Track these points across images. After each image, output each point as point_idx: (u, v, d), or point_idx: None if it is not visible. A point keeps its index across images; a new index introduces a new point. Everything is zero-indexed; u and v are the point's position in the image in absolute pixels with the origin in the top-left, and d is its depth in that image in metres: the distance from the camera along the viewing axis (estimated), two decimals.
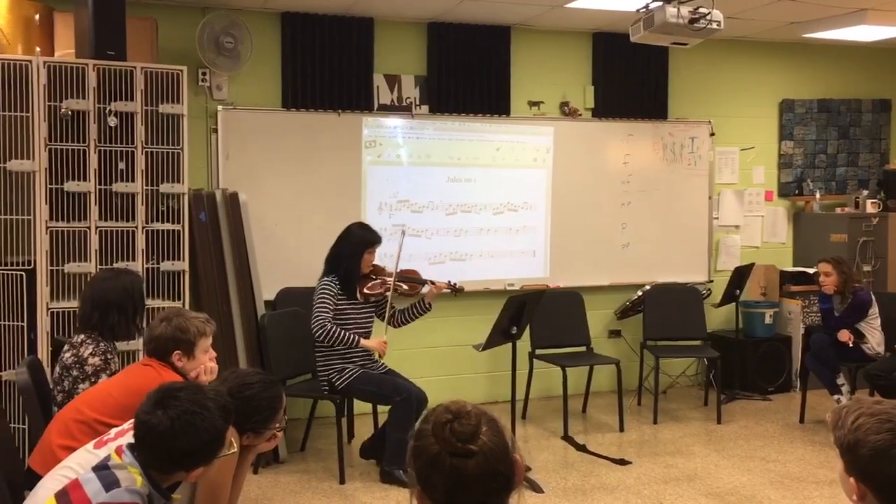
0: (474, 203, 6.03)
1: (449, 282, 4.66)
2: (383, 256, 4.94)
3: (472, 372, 6.06)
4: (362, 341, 4.39)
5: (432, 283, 4.64)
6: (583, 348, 5.85)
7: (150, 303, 4.20)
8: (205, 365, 2.91)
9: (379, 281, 4.59)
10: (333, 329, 4.36)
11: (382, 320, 4.60)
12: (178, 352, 2.85)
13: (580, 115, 6.26)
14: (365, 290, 4.55)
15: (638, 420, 5.70)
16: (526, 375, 5.69)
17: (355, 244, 4.52)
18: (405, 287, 4.63)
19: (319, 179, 5.64)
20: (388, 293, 4.57)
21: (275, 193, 5.54)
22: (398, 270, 4.60)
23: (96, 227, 4.35)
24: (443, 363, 6.01)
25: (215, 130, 5.40)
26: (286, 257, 5.52)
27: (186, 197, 4.57)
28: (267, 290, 5.26)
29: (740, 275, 6.14)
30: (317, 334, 4.38)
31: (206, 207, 4.88)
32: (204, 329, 2.92)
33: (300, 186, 5.60)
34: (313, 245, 5.36)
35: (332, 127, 5.64)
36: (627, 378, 5.96)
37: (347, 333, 4.38)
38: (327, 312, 4.39)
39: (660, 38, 4.37)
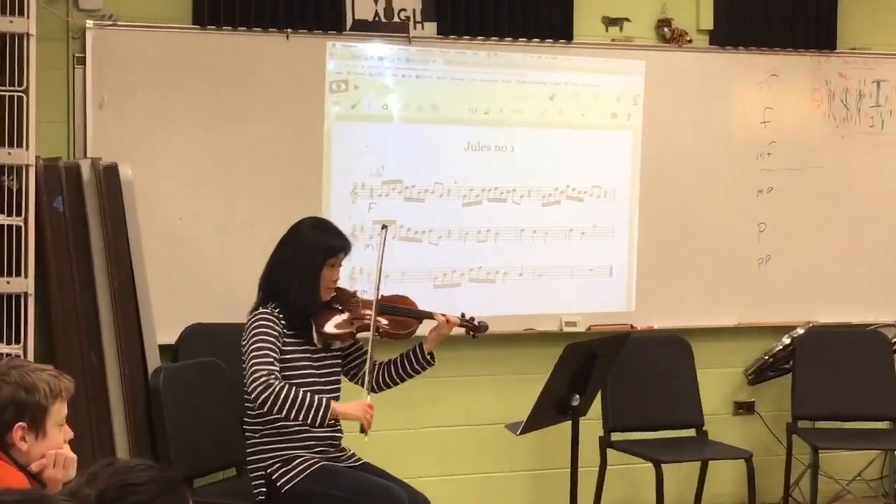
0: (511, 186, 6.03)
1: (463, 316, 4.66)
2: (355, 273, 4.86)
3: (507, 469, 6.08)
4: (335, 406, 4.38)
5: (438, 316, 4.63)
6: (691, 431, 5.93)
7: None
8: (57, 451, 2.92)
9: (347, 316, 4.58)
10: (285, 388, 4.34)
11: (358, 383, 4.63)
12: (20, 425, 2.87)
13: (689, 41, 6.27)
14: (325, 330, 4.55)
15: None
16: (595, 475, 5.70)
17: (310, 253, 4.53)
18: (389, 326, 4.63)
19: (254, 145, 5.64)
20: (367, 335, 4.56)
21: (179, 167, 5.55)
22: (379, 297, 4.58)
23: None
24: (457, 454, 6.01)
25: (82, 61, 5.39)
26: (197, 273, 5.53)
27: (33, 171, 4.60)
28: (165, 327, 5.29)
29: None
30: (258, 398, 4.34)
31: (66, 189, 4.89)
32: (57, 388, 2.94)
33: (221, 156, 5.61)
34: (242, 253, 5.40)
35: (277, 58, 5.66)
36: (766, 481, 5.98)
37: (309, 394, 4.37)
38: (270, 362, 4.38)
39: None
